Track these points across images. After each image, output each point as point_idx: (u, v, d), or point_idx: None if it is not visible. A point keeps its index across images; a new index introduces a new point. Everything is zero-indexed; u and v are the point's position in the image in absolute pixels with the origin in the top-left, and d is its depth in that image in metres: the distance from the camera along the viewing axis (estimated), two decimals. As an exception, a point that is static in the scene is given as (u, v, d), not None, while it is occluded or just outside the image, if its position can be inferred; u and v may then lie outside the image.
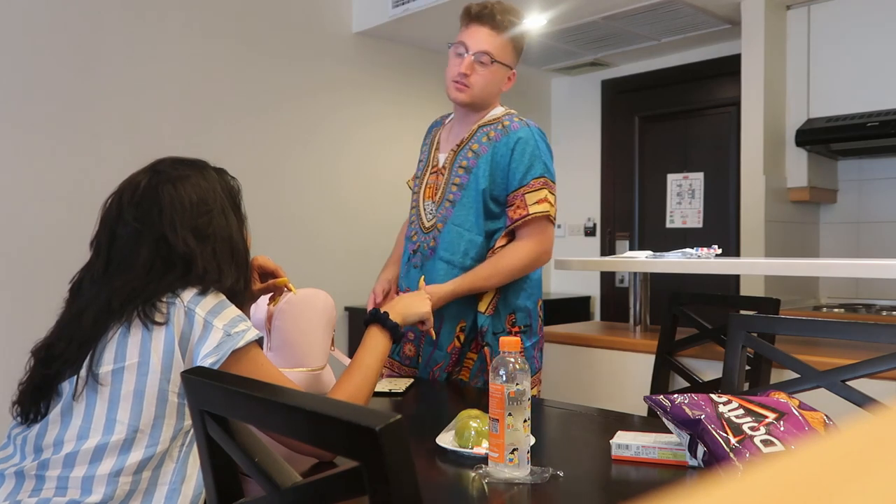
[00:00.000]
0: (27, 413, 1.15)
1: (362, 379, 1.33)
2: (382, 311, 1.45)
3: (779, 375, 1.56)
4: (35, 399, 1.15)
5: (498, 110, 1.94)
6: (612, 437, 1.22)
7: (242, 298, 1.28)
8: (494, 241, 1.88)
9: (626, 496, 1.08)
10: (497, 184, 1.85)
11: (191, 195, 1.23)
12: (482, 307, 1.86)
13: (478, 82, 1.84)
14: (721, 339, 1.98)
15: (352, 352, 3.67)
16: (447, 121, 2.06)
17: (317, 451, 1.20)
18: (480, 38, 1.82)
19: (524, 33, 1.91)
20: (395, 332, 1.43)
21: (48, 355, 1.16)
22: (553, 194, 1.87)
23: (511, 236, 1.89)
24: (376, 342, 1.40)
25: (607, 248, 4.57)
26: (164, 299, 1.14)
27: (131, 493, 1.10)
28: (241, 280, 1.27)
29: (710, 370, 2.21)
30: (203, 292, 1.17)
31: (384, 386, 1.77)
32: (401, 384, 1.79)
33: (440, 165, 1.94)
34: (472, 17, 1.84)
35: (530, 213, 1.82)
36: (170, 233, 1.19)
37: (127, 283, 1.16)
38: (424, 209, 1.94)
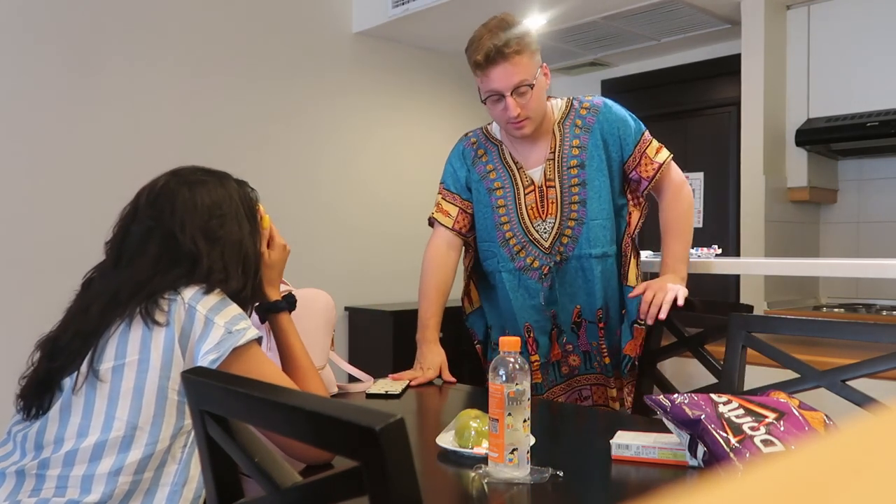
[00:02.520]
0: (30, 407, 1.15)
1: (311, 367, 1.36)
2: (269, 301, 1.40)
3: (779, 375, 1.56)
4: (38, 393, 1.15)
5: (558, 102, 1.93)
6: (612, 437, 1.22)
7: (250, 306, 1.29)
8: (626, 220, 1.95)
9: (626, 496, 1.08)
10: (614, 155, 1.89)
11: (204, 198, 1.25)
12: (632, 280, 1.94)
13: (532, 108, 1.78)
14: (698, 350, 1.82)
15: (353, 352, 3.67)
16: (491, 139, 1.96)
17: (312, 454, 1.19)
18: (506, 77, 1.74)
19: (528, 29, 1.80)
20: (292, 304, 1.42)
21: (54, 348, 1.17)
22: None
23: (640, 207, 1.97)
24: (292, 326, 1.39)
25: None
26: (167, 296, 1.14)
27: (131, 493, 1.10)
28: (249, 287, 1.28)
29: (697, 379, 2.11)
30: (206, 291, 1.17)
31: (380, 388, 1.76)
32: (397, 386, 1.78)
33: (538, 182, 1.88)
34: (486, 63, 1.74)
35: (661, 162, 1.90)
36: (178, 231, 1.21)
37: (133, 276, 1.18)
38: (536, 231, 1.88)
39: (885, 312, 3.02)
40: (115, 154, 2.86)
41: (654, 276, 2.06)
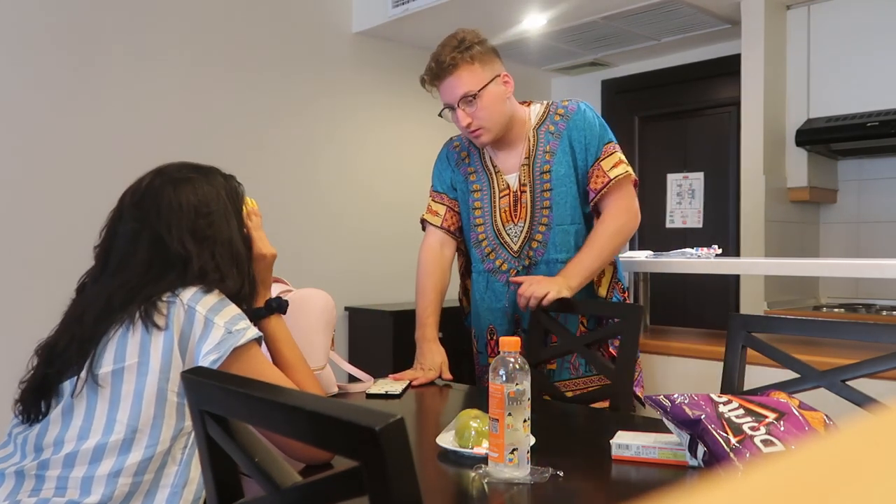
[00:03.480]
0: (28, 412, 1.15)
1: (306, 369, 1.34)
2: (257, 306, 1.37)
3: (779, 375, 1.56)
4: (36, 398, 1.15)
5: (537, 107, 1.95)
6: (612, 437, 1.22)
7: (249, 304, 1.28)
8: (591, 227, 1.93)
9: (626, 496, 1.08)
10: (580, 163, 1.89)
11: (189, 198, 1.22)
12: (602, 292, 1.94)
13: (484, 117, 1.82)
14: (585, 350, 1.79)
15: (353, 352, 3.67)
16: (474, 143, 1.97)
17: (312, 453, 1.19)
18: (451, 90, 1.82)
19: (478, 40, 1.84)
20: (282, 308, 1.39)
21: (50, 354, 1.17)
22: (623, 155, 1.91)
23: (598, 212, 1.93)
24: (281, 331, 1.36)
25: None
26: (165, 298, 1.14)
27: (131, 495, 1.10)
28: (246, 285, 1.26)
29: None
30: (203, 291, 1.17)
31: (380, 388, 1.76)
32: (397, 386, 1.78)
33: (514, 187, 1.92)
34: (430, 80, 1.84)
35: (611, 177, 1.86)
36: (165, 234, 1.19)
37: (126, 283, 1.16)
38: (508, 234, 1.92)
39: (885, 312, 3.02)
40: (114, 153, 2.86)
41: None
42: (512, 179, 1.93)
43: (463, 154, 2.01)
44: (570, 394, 1.90)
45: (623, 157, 1.90)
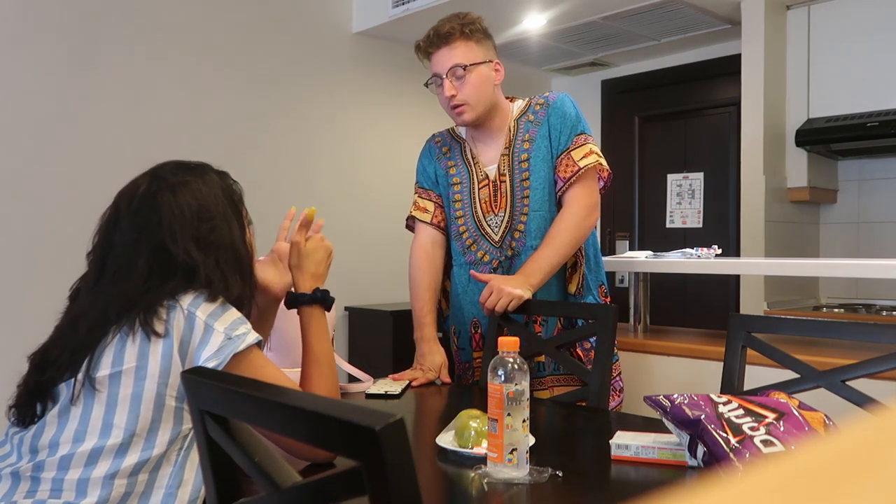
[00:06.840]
0: (23, 417, 1.15)
1: (328, 368, 1.34)
2: (295, 290, 1.40)
3: (779, 375, 1.56)
4: (30, 402, 1.14)
5: (520, 102, 1.96)
6: (611, 437, 1.22)
7: (250, 307, 1.28)
8: None
9: (625, 496, 1.08)
10: (554, 151, 1.89)
11: (190, 202, 1.20)
12: (572, 289, 1.92)
13: (469, 93, 1.83)
14: (554, 351, 1.76)
15: (353, 352, 3.67)
16: (455, 137, 2.01)
17: (314, 452, 1.19)
18: (443, 60, 1.85)
19: (480, 23, 1.88)
20: (327, 300, 1.40)
21: (42, 361, 1.15)
22: (596, 146, 1.90)
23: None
24: (318, 323, 1.36)
25: (607, 248, 4.57)
26: (165, 303, 1.13)
27: (127, 496, 1.09)
28: (248, 289, 1.26)
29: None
30: (204, 296, 1.16)
31: (380, 388, 1.76)
32: (397, 386, 1.78)
33: (492, 177, 1.91)
34: (427, 48, 1.88)
35: (581, 166, 1.85)
36: (170, 242, 1.17)
37: (124, 292, 1.15)
38: (488, 225, 1.91)
39: (885, 312, 3.02)
40: (114, 153, 2.86)
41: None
42: (491, 170, 1.92)
43: (444, 149, 2.02)
44: (547, 393, 1.88)
45: (595, 149, 1.89)
